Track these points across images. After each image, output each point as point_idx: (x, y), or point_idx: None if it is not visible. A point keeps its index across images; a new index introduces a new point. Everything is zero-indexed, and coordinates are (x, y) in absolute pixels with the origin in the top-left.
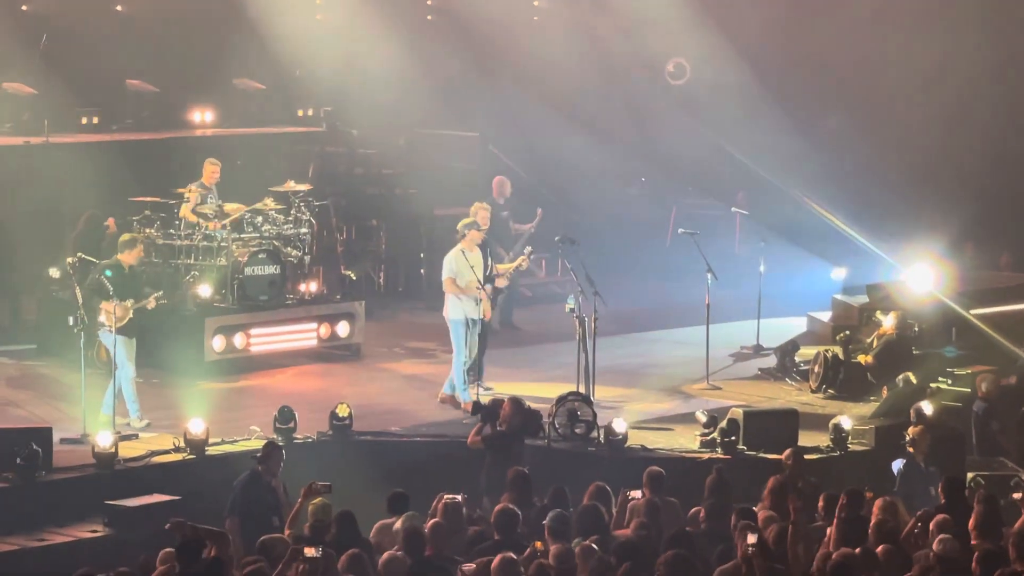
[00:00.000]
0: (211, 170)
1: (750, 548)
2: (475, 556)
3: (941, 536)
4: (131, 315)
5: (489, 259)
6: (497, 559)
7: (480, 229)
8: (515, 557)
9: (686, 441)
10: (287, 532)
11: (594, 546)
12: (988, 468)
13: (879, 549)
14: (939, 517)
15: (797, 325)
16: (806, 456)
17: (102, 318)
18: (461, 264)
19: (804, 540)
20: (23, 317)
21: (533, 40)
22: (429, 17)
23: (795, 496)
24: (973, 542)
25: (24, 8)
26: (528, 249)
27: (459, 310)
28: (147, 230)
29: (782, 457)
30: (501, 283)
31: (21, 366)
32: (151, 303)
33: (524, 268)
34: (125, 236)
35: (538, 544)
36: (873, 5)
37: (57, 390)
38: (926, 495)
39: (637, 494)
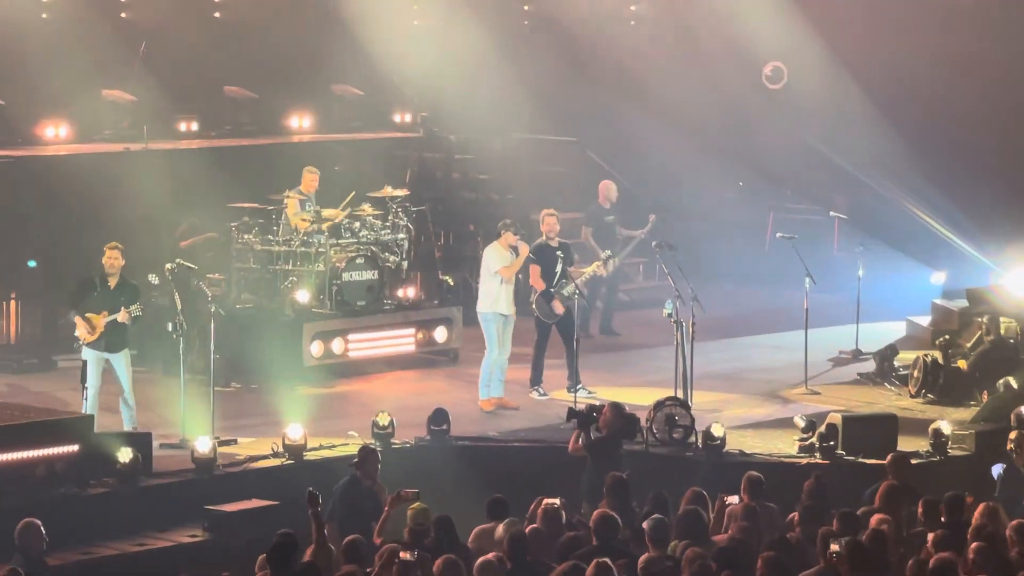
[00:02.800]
0: (310, 178)
1: (832, 555)
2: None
3: None
4: (102, 328)
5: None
6: (592, 565)
7: (516, 232)
8: (610, 563)
9: (785, 446)
10: (377, 540)
11: (698, 550)
12: None
13: (977, 552)
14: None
15: (896, 329)
16: None
17: (76, 331)
18: (503, 257)
19: (906, 545)
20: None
21: (630, 44)
22: (525, 22)
23: (909, 502)
24: None
25: (123, 15)
26: (606, 253)
27: (493, 305)
28: (245, 236)
29: (885, 463)
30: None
31: None
32: (122, 316)
33: (602, 275)
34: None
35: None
36: (973, 5)
37: (156, 395)
38: None
39: (734, 499)
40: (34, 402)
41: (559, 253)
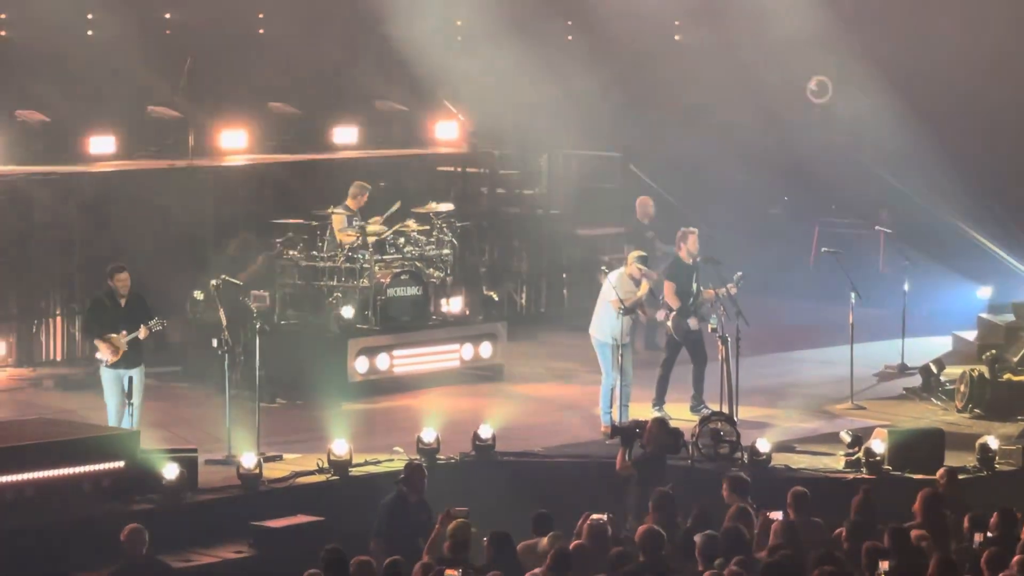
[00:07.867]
0: (358, 196)
1: (881, 574)
2: None
3: None
4: (125, 348)
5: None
6: None
7: (643, 264)
8: None
9: (831, 461)
10: (425, 557)
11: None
12: None
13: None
14: None
15: (942, 344)
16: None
17: (98, 354)
18: (622, 287)
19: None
20: (167, 339)
21: (674, 59)
22: (569, 37)
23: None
24: None
25: (168, 32)
26: (738, 274)
27: (606, 331)
28: (290, 252)
29: (936, 477)
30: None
31: (166, 388)
32: (143, 332)
33: (734, 293)
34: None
35: None
36: (1014, 18)
37: (202, 412)
38: None
39: (777, 515)
40: (80, 418)
41: (696, 272)
